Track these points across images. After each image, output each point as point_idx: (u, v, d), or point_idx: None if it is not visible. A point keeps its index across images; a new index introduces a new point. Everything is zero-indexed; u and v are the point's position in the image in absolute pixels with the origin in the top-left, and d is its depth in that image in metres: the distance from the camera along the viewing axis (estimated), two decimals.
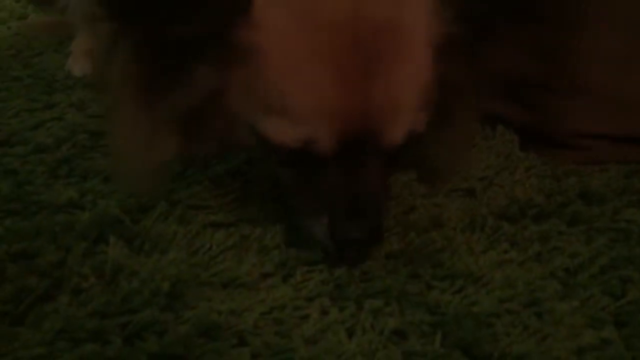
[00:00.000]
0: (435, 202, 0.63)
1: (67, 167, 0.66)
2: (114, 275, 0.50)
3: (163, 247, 0.54)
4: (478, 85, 0.62)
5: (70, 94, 0.83)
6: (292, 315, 0.48)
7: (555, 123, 0.74)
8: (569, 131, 0.73)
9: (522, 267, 0.54)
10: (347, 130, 0.50)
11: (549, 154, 0.73)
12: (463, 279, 0.52)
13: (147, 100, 0.54)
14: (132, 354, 0.44)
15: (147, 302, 0.47)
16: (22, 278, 0.48)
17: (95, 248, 0.53)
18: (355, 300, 0.50)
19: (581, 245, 0.57)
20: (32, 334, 0.44)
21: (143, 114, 0.55)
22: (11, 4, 1.19)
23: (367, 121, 0.51)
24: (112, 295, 0.48)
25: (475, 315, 0.48)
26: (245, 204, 0.62)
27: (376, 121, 0.51)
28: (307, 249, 0.55)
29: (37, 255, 0.51)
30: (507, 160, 0.72)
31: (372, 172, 0.52)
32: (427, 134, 0.60)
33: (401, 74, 0.51)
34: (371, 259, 0.54)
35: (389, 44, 0.51)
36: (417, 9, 0.53)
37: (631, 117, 0.72)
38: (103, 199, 0.60)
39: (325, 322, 0.47)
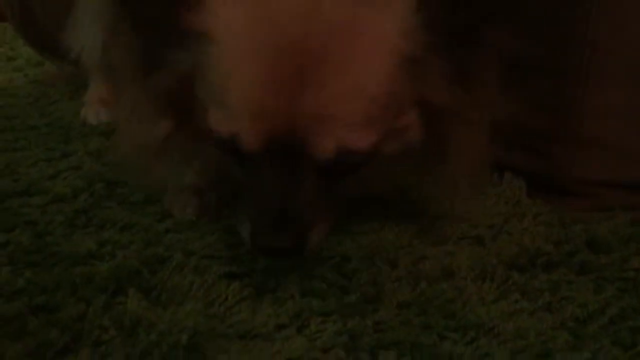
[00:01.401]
0: (445, 251, 0.65)
1: (84, 217, 0.68)
2: (133, 328, 0.51)
3: (180, 299, 0.56)
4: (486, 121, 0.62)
5: (86, 142, 0.86)
6: None
7: (561, 171, 0.75)
8: (575, 179, 0.74)
9: (533, 317, 0.55)
10: (272, 132, 0.51)
11: (556, 200, 0.75)
12: (475, 329, 0.53)
13: (140, 81, 0.56)
14: None
15: (166, 355, 0.48)
16: (44, 332, 0.50)
17: (115, 300, 0.55)
18: (370, 352, 0.51)
19: (590, 294, 0.58)
20: None
21: (139, 94, 0.57)
22: (27, 51, 1.23)
23: (293, 127, 0.51)
24: (131, 348, 0.49)
25: None
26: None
27: (303, 128, 0.51)
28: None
29: (58, 309, 0.53)
30: (515, 207, 0.73)
31: (301, 183, 0.52)
32: (420, 169, 0.61)
33: (340, 85, 0.50)
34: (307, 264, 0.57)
35: (333, 53, 0.50)
36: (378, 18, 0.51)
37: (636, 166, 0.74)
38: (120, 250, 0.62)
39: None
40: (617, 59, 0.73)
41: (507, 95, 0.79)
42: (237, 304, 0.56)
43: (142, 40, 0.55)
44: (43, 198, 0.71)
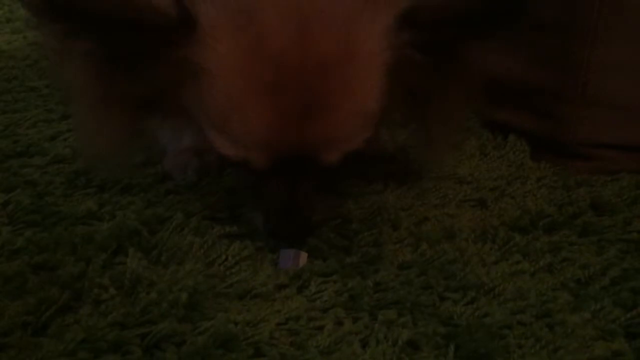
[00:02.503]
0: (447, 213, 0.64)
1: (84, 178, 0.68)
2: (133, 287, 0.51)
3: (180, 258, 0.55)
4: (469, 89, 0.62)
5: None
6: (307, 326, 0.49)
7: (567, 132, 0.74)
8: (581, 140, 0.74)
9: (533, 278, 0.55)
10: (281, 156, 0.54)
11: (561, 163, 0.74)
12: (475, 290, 0.53)
13: (103, 92, 0.55)
14: None
15: (165, 313, 0.48)
16: (44, 290, 0.50)
17: (114, 259, 0.55)
18: (369, 312, 0.51)
19: (592, 256, 0.58)
20: (54, 344, 0.45)
21: (99, 103, 0.57)
22: (26, 13, 1.21)
23: (301, 151, 0.54)
24: (131, 307, 0.49)
25: (487, 327, 0.49)
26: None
27: (309, 149, 0.54)
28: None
29: (58, 267, 0.53)
30: (518, 170, 0.73)
31: (306, 185, 0.56)
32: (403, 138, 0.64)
33: (341, 112, 0.53)
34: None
35: (331, 83, 0.52)
36: (366, 41, 0.53)
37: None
38: (121, 210, 0.61)
39: (340, 333, 0.48)
40: (626, 16, 0.71)
41: (513, 53, 0.79)
42: (237, 263, 0.56)
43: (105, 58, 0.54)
44: (43, 159, 0.71)
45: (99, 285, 0.51)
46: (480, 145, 0.78)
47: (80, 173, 0.68)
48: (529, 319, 0.50)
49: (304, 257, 0.57)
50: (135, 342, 0.46)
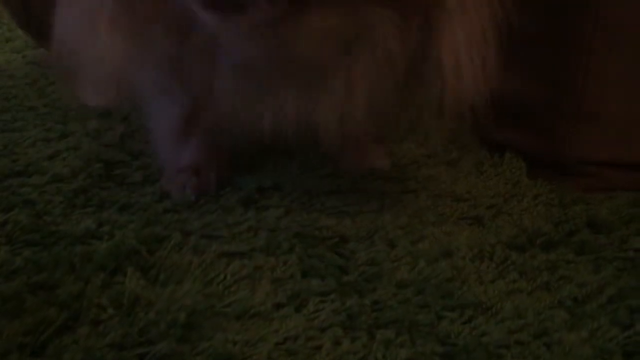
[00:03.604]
0: (444, 231, 0.65)
1: (83, 197, 0.68)
2: (131, 307, 0.51)
3: (178, 278, 0.56)
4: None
5: (84, 123, 0.85)
6: (306, 346, 0.49)
7: (562, 149, 0.75)
8: (577, 158, 0.74)
9: (531, 297, 0.55)
10: None
11: (557, 180, 0.75)
12: (473, 309, 0.53)
13: None
14: None
15: (164, 333, 0.48)
16: (42, 310, 0.49)
17: (113, 279, 0.55)
18: (367, 331, 0.51)
19: (589, 274, 0.58)
20: None
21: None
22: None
23: None
24: (129, 327, 0.49)
25: (485, 346, 0.49)
26: (258, 233, 0.63)
27: None
28: None
29: (57, 287, 0.52)
30: (515, 187, 0.73)
31: None
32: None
33: None
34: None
35: None
36: None
37: (638, 144, 0.73)
38: (119, 229, 0.61)
39: (338, 353, 0.48)
40: (622, 31, 0.72)
41: (507, 69, 0.79)
42: (235, 283, 0.56)
43: None
44: (41, 178, 0.71)
45: (98, 305, 0.51)
46: (477, 163, 0.79)
47: (79, 192, 0.68)
48: (527, 338, 0.50)
49: None
50: None
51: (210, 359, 0.46)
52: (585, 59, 0.73)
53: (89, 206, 0.66)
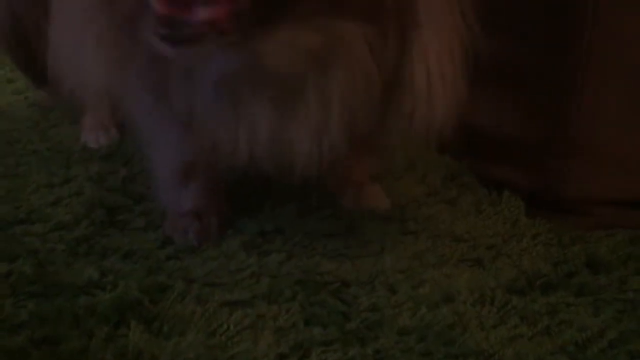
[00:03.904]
0: (445, 274, 0.65)
1: (86, 245, 0.68)
2: None
3: (181, 329, 0.56)
4: None
5: (87, 166, 0.86)
6: None
7: (558, 187, 0.76)
8: (573, 196, 0.75)
9: (532, 342, 0.56)
10: None
11: (555, 218, 0.75)
12: (475, 356, 0.53)
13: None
14: None
15: None
16: None
17: (117, 332, 0.55)
18: None
19: (589, 317, 0.58)
20: None
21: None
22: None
23: None
24: None
25: None
26: (260, 279, 0.64)
27: None
28: None
29: (61, 342, 0.53)
30: (513, 227, 0.74)
31: None
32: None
33: None
34: None
35: None
36: None
37: (633, 181, 0.74)
38: (122, 279, 0.62)
39: None
40: (613, 67, 0.73)
41: (500, 107, 0.80)
42: (238, 333, 0.56)
43: None
44: (45, 226, 0.71)
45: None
46: (475, 202, 0.79)
47: (82, 240, 0.69)
48: None
49: None
50: None
51: None
52: (577, 96, 0.74)
53: (91, 254, 0.67)
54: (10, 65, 1.26)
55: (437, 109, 0.61)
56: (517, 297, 0.61)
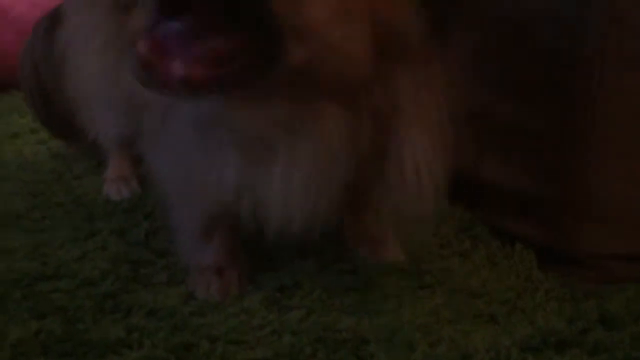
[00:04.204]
0: (461, 330, 0.67)
1: (112, 301, 0.71)
2: None
3: None
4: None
5: (110, 220, 0.89)
6: None
7: (570, 244, 0.77)
8: (585, 252, 0.77)
9: None
10: None
11: (567, 272, 0.77)
12: None
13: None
14: None
15: None
16: None
17: None
18: None
19: None
20: None
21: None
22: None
23: None
24: None
25: None
26: (281, 336, 0.65)
27: None
28: None
29: None
30: (527, 281, 0.75)
31: None
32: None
33: None
34: None
35: None
36: None
37: None
38: (148, 338, 0.64)
39: None
40: (621, 123, 0.75)
41: (509, 163, 0.82)
42: None
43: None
44: (72, 282, 0.74)
45: None
46: (489, 254, 0.81)
47: (108, 296, 0.71)
48: None
49: None
50: None
51: None
52: (585, 154, 0.76)
53: (117, 312, 0.69)
54: (33, 114, 1.30)
55: (425, 203, 0.64)
56: (532, 355, 0.62)
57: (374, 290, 0.73)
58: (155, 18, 0.53)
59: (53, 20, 1.00)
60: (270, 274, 0.76)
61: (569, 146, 0.77)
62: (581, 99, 0.75)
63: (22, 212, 0.91)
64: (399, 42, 0.59)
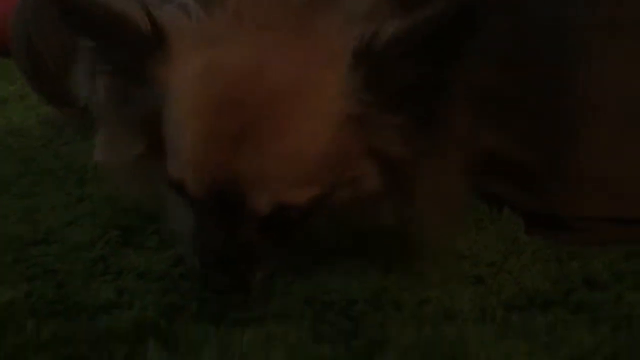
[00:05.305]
0: (447, 292, 0.68)
1: (102, 264, 0.71)
2: None
3: (197, 348, 0.59)
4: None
5: (100, 185, 0.89)
6: None
7: (556, 207, 0.78)
8: (571, 215, 0.77)
9: (531, 358, 0.58)
10: (213, 183, 0.56)
11: (552, 235, 0.78)
12: None
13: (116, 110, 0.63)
14: None
15: None
16: None
17: (135, 350, 0.58)
18: None
19: (585, 334, 0.61)
20: None
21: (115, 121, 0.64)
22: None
23: (232, 180, 0.55)
24: None
25: None
26: (270, 298, 0.66)
27: (242, 183, 0.55)
28: None
29: None
30: (513, 244, 0.76)
31: (240, 230, 0.57)
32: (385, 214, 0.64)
33: (277, 146, 0.54)
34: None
35: (273, 113, 0.54)
36: (320, 79, 0.56)
37: (628, 201, 0.77)
38: (138, 299, 0.65)
39: None
40: (611, 95, 0.75)
41: (499, 130, 0.83)
42: (250, 351, 0.59)
43: (116, 80, 0.61)
44: (62, 246, 0.74)
45: None
46: (476, 219, 0.82)
47: (98, 259, 0.72)
48: None
49: None
50: None
51: None
52: (572, 122, 0.76)
53: (108, 274, 0.70)
54: (22, 81, 1.29)
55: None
56: (517, 314, 0.63)
57: (363, 252, 0.74)
58: None
59: None
60: None
61: (558, 117, 0.78)
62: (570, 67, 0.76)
63: (12, 178, 0.91)
64: None
